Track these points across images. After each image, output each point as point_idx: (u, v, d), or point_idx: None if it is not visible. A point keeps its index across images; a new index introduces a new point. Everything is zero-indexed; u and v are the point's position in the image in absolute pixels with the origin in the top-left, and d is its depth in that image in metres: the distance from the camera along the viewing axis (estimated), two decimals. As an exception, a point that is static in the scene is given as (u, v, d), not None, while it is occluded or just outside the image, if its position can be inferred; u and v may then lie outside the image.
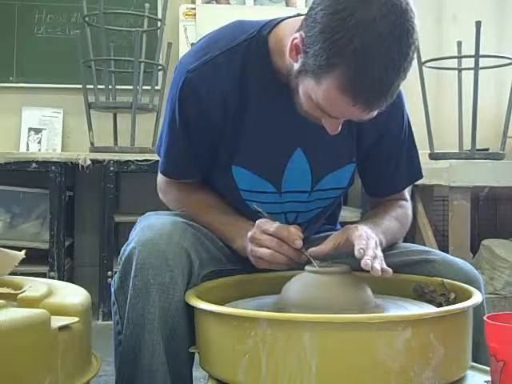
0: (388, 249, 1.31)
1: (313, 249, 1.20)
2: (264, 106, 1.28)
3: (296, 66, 1.14)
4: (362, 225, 1.24)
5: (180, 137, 1.31)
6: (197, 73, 1.25)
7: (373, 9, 1.03)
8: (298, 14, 1.25)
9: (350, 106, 1.09)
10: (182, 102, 1.27)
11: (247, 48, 1.26)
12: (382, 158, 1.39)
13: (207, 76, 1.25)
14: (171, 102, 1.30)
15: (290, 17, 1.28)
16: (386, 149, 1.38)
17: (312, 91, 1.12)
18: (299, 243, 1.20)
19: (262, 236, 1.21)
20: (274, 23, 1.27)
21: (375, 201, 1.47)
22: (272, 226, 1.22)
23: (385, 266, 1.12)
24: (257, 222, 1.25)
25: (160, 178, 1.42)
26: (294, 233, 1.21)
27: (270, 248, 1.20)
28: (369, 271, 1.10)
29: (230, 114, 1.28)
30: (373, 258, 1.11)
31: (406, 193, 1.47)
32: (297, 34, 1.12)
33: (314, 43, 1.07)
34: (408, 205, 1.46)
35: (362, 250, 1.12)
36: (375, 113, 1.12)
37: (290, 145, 1.32)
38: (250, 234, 1.23)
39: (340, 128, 1.19)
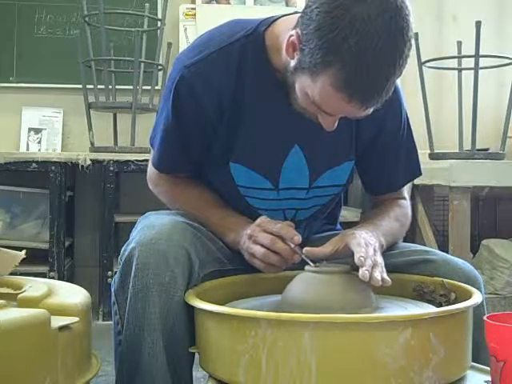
0: (388, 249, 1.32)
1: (309, 248, 1.20)
2: (261, 102, 1.28)
3: (292, 62, 1.14)
4: (361, 229, 1.24)
5: (174, 132, 1.32)
6: (193, 69, 1.26)
7: (368, 6, 1.03)
8: (295, 12, 1.26)
9: (345, 104, 1.09)
10: (177, 98, 1.28)
11: (244, 45, 1.26)
12: (381, 155, 1.39)
13: (203, 72, 1.26)
14: (166, 97, 1.31)
15: (287, 14, 1.28)
16: (384, 146, 1.38)
17: (308, 88, 1.12)
18: (299, 239, 1.20)
19: (260, 234, 1.22)
20: (271, 21, 1.28)
21: (375, 199, 1.48)
22: (274, 226, 1.22)
23: (385, 274, 1.12)
24: (258, 219, 1.25)
25: (151, 169, 1.43)
26: (292, 230, 1.22)
27: (263, 246, 1.20)
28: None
29: (226, 111, 1.28)
30: (371, 266, 1.11)
31: (405, 192, 1.47)
32: (293, 32, 1.13)
33: (309, 41, 1.08)
34: (407, 204, 1.46)
35: (362, 258, 1.12)
36: (371, 110, 1.12)
37: (287, 142, 1.32)
38: (249, 231, 1.24)
39: (336, 125, 1.19)
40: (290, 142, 1.32)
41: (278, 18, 1.28)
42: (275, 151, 1.32)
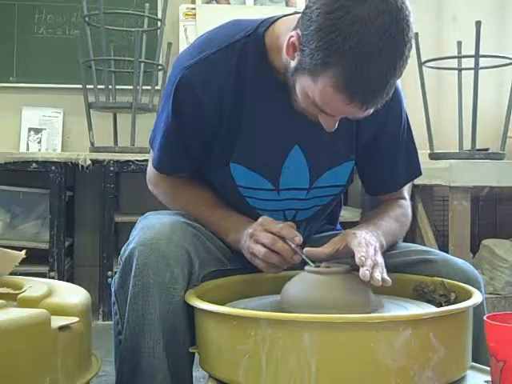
0: (388, 249, 1.31)
1: (309, 249, 1.20)
2: (261, 103, 1.28)
3: (293, 63, 1.14)
4: (362, 229, 1.24)
5: (174, 133, 1.32)
6: (193, 69, 1.26)
7: (368, 8, 1.03)
8: (295, 12, 1.26)
9: (345, 105, 1.09)
10: (177, 99, 1.28)
11: (244, 46, 1.26)
12: (381, 155, 1.39)
13: (203, 73, 1.26)
14: (166, 98, 1.31)
15: (287, 15, 1.29)
16: (384, 146, 1.38)
17: (309, 89, 1.12)
18: (300, 239, 1.20)
19: (261, 233, 1.22)
20: (271, 21, 1.28)
21: (375, 199, 1.47)
22: (276, 226, 1.22)
23: (385, 274, 1.12)
24: (260, 219, 1.25)
25: (151, 169, 1.43)
26: (293, 230, 1.22)
27: (264, 245, 1.20)
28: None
29: (226, 111, 1.28)
30: (371, 266, 1.11)
31: (405, 191, 1.47)
32: (293, 32, 1.13)
33: (310, 42, 1.08)
34: (407, 204, 1.46)
35: (363, 258, 1.11)
36: (371, 110, 1.13)
37: (287, 142, 1.32)
38: (250, 230, 1.24)
39: (337, 125, 1.19)
40: (290, 143, 1.32)
41: (278, 19, 1.28)
42: (275, 152, 1.32)
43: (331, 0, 1.05)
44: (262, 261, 1.22)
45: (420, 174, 1.46)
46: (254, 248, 1.22)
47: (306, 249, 1.21)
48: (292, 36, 1.13)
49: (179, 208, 1.38)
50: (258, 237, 1.22)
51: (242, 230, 1.27)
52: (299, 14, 1.14)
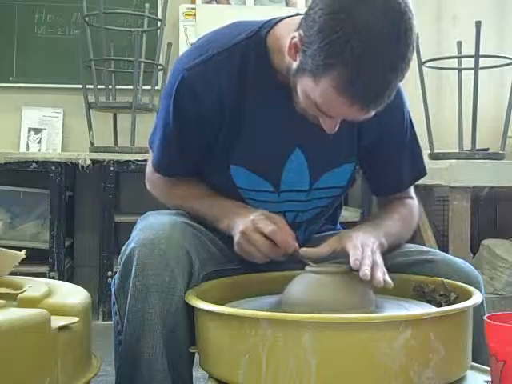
0: (391, 250, 1.31)
1: (305, 249, 1.20)
2: (262, 104, 1.28)
3: (294, 64, 1.14)
4: (361, 229, 1.23)
5: (174, 134, 1.31)
6: (194, 71, 1.25)
7: (371, 9, 1.03)
8: (298, 14, 1.26)
9: (347, 107, 1.09)
10: (177, 100, 1.27)
11: (246, 47, 1.26)
12: (385, 156, 1.39)
13: (204, 74, 1.25)
14: (166, 99, 1.30)
15: (289, 16, 1.28)
16: (388, 147, 1.38)
17: (310, 90, 1.12)
18: (293, 249, 1.20)
19: (255, 235, 1.20)
20: (273, 23, 1.28)
21: (381, 199, 1.47)
22: (267, 226, 1.21)
23: (387, 276, 1.11)
24: (252, 215, 1.23)
25: (150, 169, 1.43)
26: (289, 236, 1.21)
27: (260, 250, 1.20)
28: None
29: (227, 113, 1.28)
30: (370, 266, 1.10)
31: (412, 191, 1.47)
32: (296, 33, 1.13)
33: (312, 43, 1.08)
34: (413, 203, 1.45)
35: (357, 262, 1.11)
36: (372, 113, 1.12)
37: (288, 144, 1.32)
38: (242, 227, 1.22)
39: (337, 127, 1.19)
40: (291, 144, 1.32)
41: (280, 20, 1.28)
42: (276, 153, 1.32)
43: (334, 1, 1.05)
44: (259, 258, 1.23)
45: (425, 173, 1.45)
46: (247, 248, 1.21)
47: (302, 249, 1.20)
48: (294, 37, 1.13)
49: (175, 204, 1.38)
50: (251, 238, 1.21)
51: (233, 217, 1.26)
52: (301, 16, 1.14)
